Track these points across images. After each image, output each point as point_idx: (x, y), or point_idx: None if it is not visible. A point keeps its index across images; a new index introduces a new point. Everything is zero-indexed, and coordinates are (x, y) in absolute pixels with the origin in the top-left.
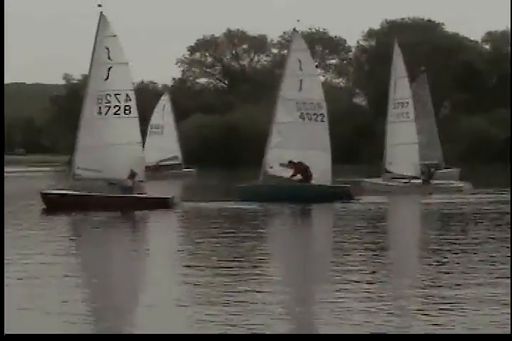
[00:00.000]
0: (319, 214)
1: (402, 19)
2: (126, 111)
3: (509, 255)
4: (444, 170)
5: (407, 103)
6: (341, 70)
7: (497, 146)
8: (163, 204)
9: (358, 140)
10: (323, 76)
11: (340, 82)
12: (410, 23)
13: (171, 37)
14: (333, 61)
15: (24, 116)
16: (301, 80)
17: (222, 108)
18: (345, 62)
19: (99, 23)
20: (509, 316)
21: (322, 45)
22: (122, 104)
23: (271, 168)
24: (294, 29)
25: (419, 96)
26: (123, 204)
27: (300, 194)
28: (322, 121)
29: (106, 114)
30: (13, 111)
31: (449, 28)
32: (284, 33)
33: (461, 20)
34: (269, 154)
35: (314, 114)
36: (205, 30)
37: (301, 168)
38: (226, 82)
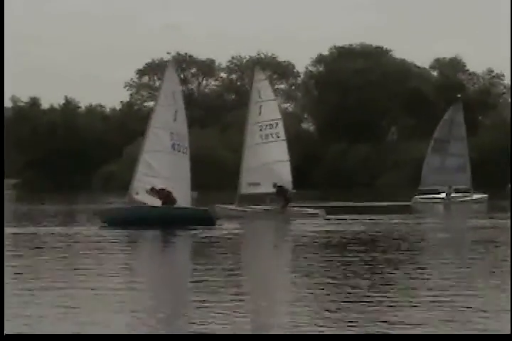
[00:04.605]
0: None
1: (351, 45)
2: None
3: None
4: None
5: (277, 124)
6: (290, 95)
7: None
8: None
9: (306, 165)
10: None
11: (288, 107)
12: (359, 49)
13: (118, 60)
14: (282, 86)
15: None
16: (176, 111)
17: None
18: (293, 87)
19: None
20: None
21: (271, 70)
22: None
23: (137, 194)
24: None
25: (453, 121)
26: None
27: (162, 216)
28: (184, 153)
29: None
30: None
31: (397, 54)
32: (233, 57)
33: (409, 46)
34: (136, 181)
35: (182, 145)
36: (153, 54)
37: (164, 194)
38: None
